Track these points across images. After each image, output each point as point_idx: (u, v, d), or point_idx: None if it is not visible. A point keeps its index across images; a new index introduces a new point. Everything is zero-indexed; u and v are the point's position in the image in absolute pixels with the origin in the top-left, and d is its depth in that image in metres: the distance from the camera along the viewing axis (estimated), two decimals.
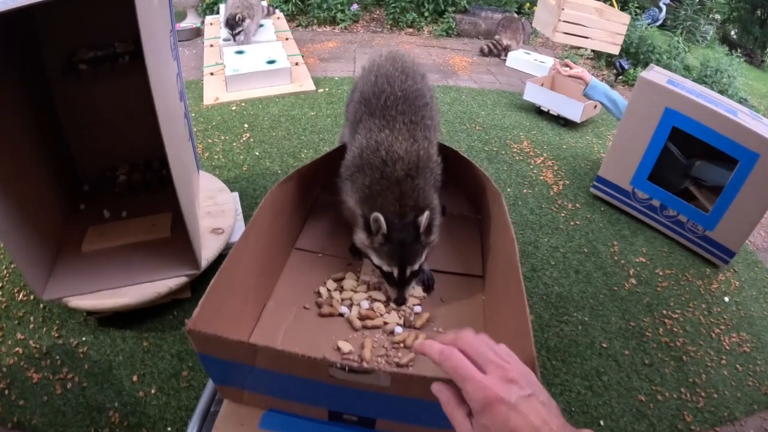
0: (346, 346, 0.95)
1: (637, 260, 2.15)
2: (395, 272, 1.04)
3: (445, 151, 1.27)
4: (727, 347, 1.83)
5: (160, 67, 1.34)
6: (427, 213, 1.02)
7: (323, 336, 0.99)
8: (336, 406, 0.78)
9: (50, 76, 1.74)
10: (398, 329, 0.99)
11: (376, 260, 1.07)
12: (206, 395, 0.95)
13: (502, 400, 0.47)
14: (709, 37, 5.56)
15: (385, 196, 1.06)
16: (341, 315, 1.03)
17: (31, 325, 1.57)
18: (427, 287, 1.12)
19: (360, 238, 1.09)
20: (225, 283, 0.87)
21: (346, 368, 0.65)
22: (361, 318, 1.02)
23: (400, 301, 1.05)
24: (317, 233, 1.28)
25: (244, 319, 0.96)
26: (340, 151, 1.27)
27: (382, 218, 1.01)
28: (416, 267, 1.05)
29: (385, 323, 1.01)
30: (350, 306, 1.05)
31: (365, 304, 1.05)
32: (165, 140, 1.26)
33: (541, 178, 2.63)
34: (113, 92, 1.79)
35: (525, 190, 2.52)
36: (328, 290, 1.09)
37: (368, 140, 1.11)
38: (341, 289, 1.09)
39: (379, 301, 1.07)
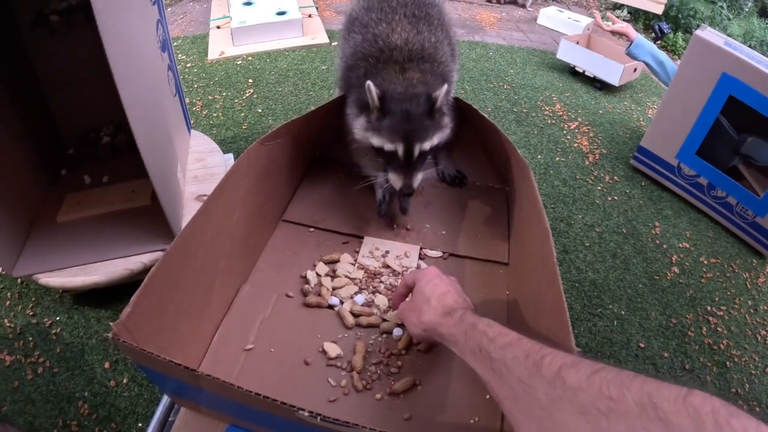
0: (333, 350, 0.76)
1: (680, 245, 1.89)
2: (400, 149, 0.84)
3: (464, 108, 1.04)
4: None
5: (121, 10, 1.12)
6: (446, 86, 0.85)
7: (307, 333, 0.79)
8: None
9: (24, 32, 1.53)
10: (398, 331, 0.79)
11: (376, 141, 0.86)
12: (166, 400, 0.77)
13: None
14: (747, 9, 5.04)
15: (387, 71, 0.89)
16: (331, 307, 0.84)
17: (8, 302, 1.43)
18: (458, 180, 1.06)
19: (359, 125, 0.89)
20: (174, 268, 0.67)
21: (318, 417, 0.47)
22: (355, 313, 0.82)
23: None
24: (310, 203, 1.07)
25: (207, 311, 0.77)
26: (342, 101, 1.05)
27: (372, 85, 0.82)
28: (426, 147, 0.86)
29: (384, 321, 0.81)
30: (343, 297, 0.85)
31: (360, 299, 0.84)
32: (124, 97, 1.06)
33: (575, 145, 2.35)
34: (91, 46, 1.57)
35: (557, 158, 2.24)
36: (318, 275, 0.89)
37: (364, 35, 0.95)
38: (333, 275, 0.89)
39: (380, 292, 0.86)
